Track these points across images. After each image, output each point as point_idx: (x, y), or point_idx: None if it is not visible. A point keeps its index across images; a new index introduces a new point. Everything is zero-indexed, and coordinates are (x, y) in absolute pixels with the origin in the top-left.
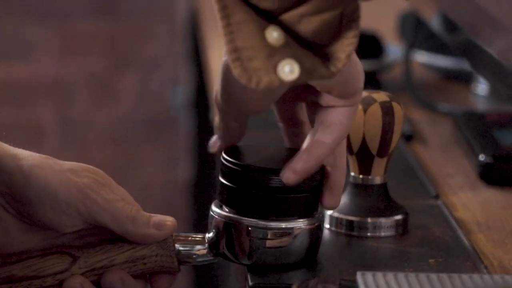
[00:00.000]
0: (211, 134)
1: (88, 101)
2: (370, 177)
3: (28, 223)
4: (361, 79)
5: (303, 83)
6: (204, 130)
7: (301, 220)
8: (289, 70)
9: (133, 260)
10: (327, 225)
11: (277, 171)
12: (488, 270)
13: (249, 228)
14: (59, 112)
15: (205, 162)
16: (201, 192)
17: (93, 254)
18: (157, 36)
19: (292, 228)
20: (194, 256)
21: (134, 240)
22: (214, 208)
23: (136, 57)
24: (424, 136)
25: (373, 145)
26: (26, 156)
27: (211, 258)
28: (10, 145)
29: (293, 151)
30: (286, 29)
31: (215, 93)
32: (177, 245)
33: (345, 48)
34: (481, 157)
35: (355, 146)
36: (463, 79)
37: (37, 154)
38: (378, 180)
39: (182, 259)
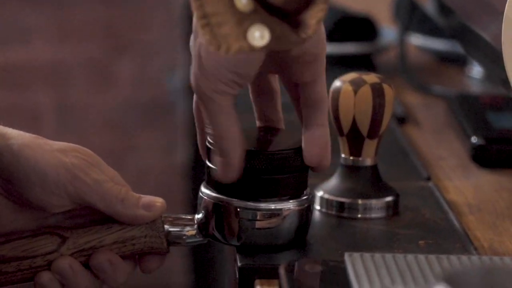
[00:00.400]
0: None
1: (86, 87)
2: (360, 158)
3: (17, 203)
4: (323, 40)
5: (273, 49)
6: None
7: (290, 201)
8: (259, 36)
9: (122, 241)
10: (317, 207)
11: (262, 153)
12: (478, 252)
13: (238, 209)
14: (56, 98)
15: None
16: (199, 176)
17: (82, 235)
18: (155, 21)
19: (281, 209)
20: (183, 237)
21: (123, 221)
22: (203, 189)
23: (133, 42)
24: (418, 118)
25: (364, 127)
26: (16, 135)
27: (201, 239)
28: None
29: (280, 131)
30: None
31: (193, 76)
32: (166, 226)
33: (315, 15)
34: (474, 139)
35: (346, 128)
36: (458, 62)
37: (27, 134)
38: (368, 161)
39: (171, 240)
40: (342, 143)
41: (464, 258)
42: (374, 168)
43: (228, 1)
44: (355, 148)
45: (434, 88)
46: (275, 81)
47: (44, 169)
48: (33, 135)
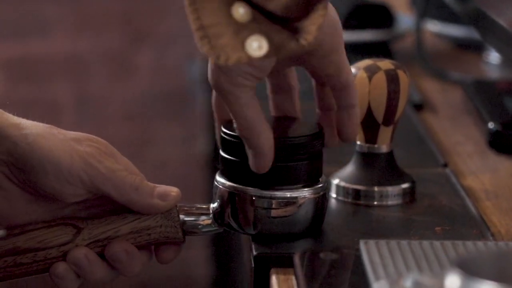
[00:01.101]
0: None
1: (104, 77)
2: (376, 145)
3: (32, 194)
4: (338, 31)
5: (272, 57)
6: None
7: (306, 189)
8: (257, 46)
9: (138, 231)
10: (333, 194)
11: (277, 139)
12: (495, 238)
13: (254, 198)
14: (75, 89)
15: None
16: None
17: (97, 225)
18: (173, 11)
19: (296, 198)
20: (199, 226)
21: (137, 210)
22: (218, 178)
23: (151, 33)
24: (435, 105)
25: (379, 114)
26: (30, 125)
27: (216, 228)
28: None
29: (295, 119)
30: (254, 5)
31: (210, 72)
32: (181, 216)
33: (315, 21)
34: (490, 125)
35: (361, 115)
36: (475, 48)
37: (41, 124)
38: (384, 148)
39: (187, 229)
40: (358, 131)
41: (480, 244)
42: (390, 154)
43: (225, 12)
44: (371, 135)
45: (451, 74)
46: (294, 78)
47: (58, 158)
48: (47, 125)
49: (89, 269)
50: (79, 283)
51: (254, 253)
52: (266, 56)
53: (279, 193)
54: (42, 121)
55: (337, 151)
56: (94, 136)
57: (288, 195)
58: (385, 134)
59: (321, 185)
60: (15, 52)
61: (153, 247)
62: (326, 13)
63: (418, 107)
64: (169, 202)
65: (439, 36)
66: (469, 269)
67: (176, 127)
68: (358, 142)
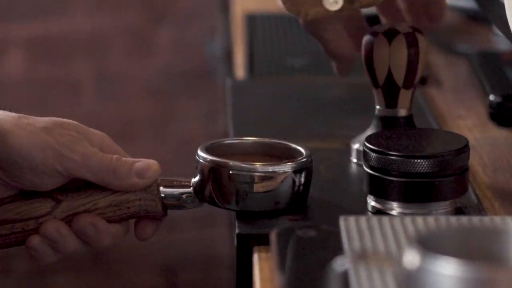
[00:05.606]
0: None
1: (125, 55)
2: (396, 109)
3: (10, 185)
4: None
5: (347, 11)
6: None
7: (288, 163)
8: (333, 1)
9: (117, 204)
10: (354, 159)
11: None
12: (486, 212)
13: (233, 173)
14: (95, 67)
15: None
16: None
17: (76, 198)
18: None
19: (277, 172)
20: (180, 200)
21: (117, 190)
22: (199, 152)
23: (172, 9)
24: (440, 78)
25: (399, 77)
26: None
27: (197, 203)
28: (48, 100)
29: None
30: None
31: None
32: (162, 189)
33: None
34: (492, 97)
35: (381, 79)
36: (487, 20)
37: (8, 114)
38: (403, 112)
39: (168, 203)
40: (377, 94)
41: (464, 219)
42: (409, 118)
43: None
44: (390, 98)
45: (460, 46)
46: None
47: (30, 153)
48: (16, 116)
49: (62, 243)
50: (57, 256)
51: (237, 231)
52: (342, 9)
53: (260, 168)
54: (63, 100)
55: (356, 117)
56: (63, 120)
57: (270, 170)
58: (405, 97)
59: (304, 159)
60: (35, 31)
61: (134, 221)
62: None
63: (422, 80)
64: (148, 179)
65: (451, 8)
66: (428, 245)
67: (197, 104)
68: (378, 107)
